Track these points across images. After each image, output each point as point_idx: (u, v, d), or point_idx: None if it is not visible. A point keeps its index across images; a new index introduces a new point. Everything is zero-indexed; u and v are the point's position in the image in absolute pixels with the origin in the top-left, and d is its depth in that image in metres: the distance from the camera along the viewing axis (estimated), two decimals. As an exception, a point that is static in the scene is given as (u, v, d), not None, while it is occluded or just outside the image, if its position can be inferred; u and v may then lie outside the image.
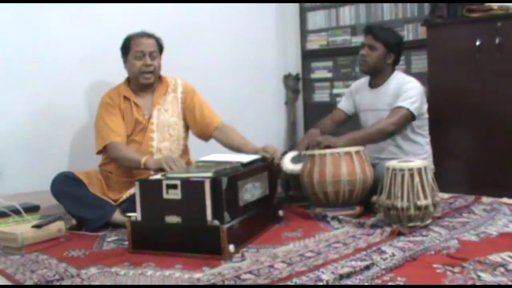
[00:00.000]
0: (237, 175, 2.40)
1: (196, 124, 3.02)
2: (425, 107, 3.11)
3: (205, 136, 3.05)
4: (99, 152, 2.93)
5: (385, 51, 3.06)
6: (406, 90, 3.00)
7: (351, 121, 3.38)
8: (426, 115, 3.13)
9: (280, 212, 2.77)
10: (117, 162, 2.85)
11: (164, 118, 2.98)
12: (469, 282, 1.82)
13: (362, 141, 2.94)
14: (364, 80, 3.26)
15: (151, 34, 2.96)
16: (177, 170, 2.50)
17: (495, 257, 2.03)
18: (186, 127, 3.07)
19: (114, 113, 2.90)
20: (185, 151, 3.08)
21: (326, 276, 1.92)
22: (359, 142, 2.90)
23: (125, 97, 2.95)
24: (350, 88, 3.38)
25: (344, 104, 3.34)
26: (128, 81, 3.02)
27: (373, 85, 3.17)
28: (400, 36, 3.25)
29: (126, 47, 2.93)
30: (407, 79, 3.09)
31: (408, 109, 2.96)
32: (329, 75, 4.60)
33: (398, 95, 3.01)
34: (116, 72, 3.13)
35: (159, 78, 3.03)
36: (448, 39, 3.53)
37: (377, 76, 3.12)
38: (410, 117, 2.98)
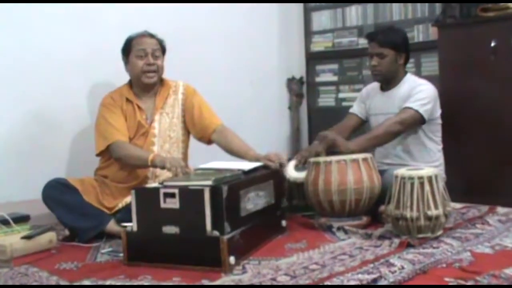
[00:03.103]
0: (238, 183, 2.41)
1: (195, 126, 3.05)
2: (439, 112, 3.13)
3: (204, 139, 3.07)
4: (99, 154, 2.96)
5: (395, 54, 3.09)
6: (418, 92, 3.03)
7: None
8: (440, 121, 3.15)
9: (283, 222, 2.78)
10: (122, 161, 2.88)
11: (165, 121, 3.02)
12: (482, 296, 1.83)
13: (370, 144, 2.98)
14: (376, 84, 3.29)
15: (153, 34, 3.01)
16: (176, 173, 2.54)
17: (511, 271, 2.04)
18: (187, 130, 3.10)
19: (116, 113, 2.94)
20: (184, 155, 3.10)
21: (332, 289, 1.93)
22: (367, 145, 2.94)
23: (127, 100, 2.99)
24: (361, 93, 3.41)
25: (356, 108, 3.37)
26: (130, 84, 3.06)
27: (384, 88, 3.21)
28: (403, 31, 3.26)
29: (127, 48, 2.97)
30: (419, 82, 3.12)
31: (416, 111, 2.98)
32: (335, 78, 4.62)
33: (410, 97, 3.04)
34: (112, 74, 3.17)
35: (161, 81, 3.07)
36: (460, 40, 3.54)
37: (391, 80, 3.16)
38: (418, 119, 3.01)
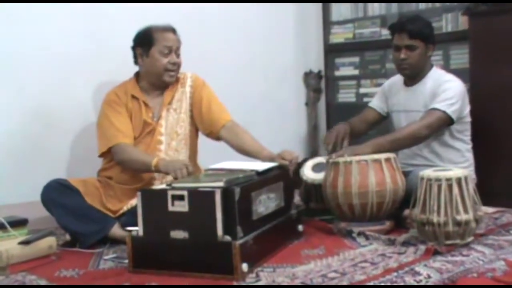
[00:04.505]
0: (251, 185, 2.43)
1: (202, 121, 3.06)
2: (467, 109, 3.13)
3: (212, 134, 3.08)
4: (102, 155, 2.99)
5: (425, 46, 3.08)
6: (445, 90, 3.02)
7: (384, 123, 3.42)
8: (468, 119, 3.15)
9: (300, 227, 2.80)
10: (124, 165, 2.91)
11: (173, 118, 3.04)
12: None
13: (391, 147, 2.95)
14: (399, 77, 3.28)
15: (175, 29, 3.02)
16: (181, 179, 2.54)
17: (549, 282, 2.03)
18: (194, 126, 3.11)
19: (120, 112, 2.97)
20: (193, 152, 3.12)
21: (352, 299, 1.94)
22: (388, 148, 2.92)
23: (133, 96, 3.01)
24: (383, 86, 3.41)
25: (376, 103, 3.37)
26: (137, 78, 3.07)
27: (409, 83, 3.20)
28: (429, 21, 3.25)
29: (149, 40, 2.96)
30: (446, 77, 3.11)
31: (444, 112, 2.97)
32: (356, 72, 4.62)
33: (435, 95, 3.03)
34: (115, 69, 3.19)
35: None
36: (494, 30, 3.51)
37: (418, 74, 3.15)
38: (447, 121, 3.00)
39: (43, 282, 2.29)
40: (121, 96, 3.01)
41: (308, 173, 3.02)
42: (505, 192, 3.27)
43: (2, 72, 3.14)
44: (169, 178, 2.78)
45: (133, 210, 2.67)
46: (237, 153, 3.03)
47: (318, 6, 4.67)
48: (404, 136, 2.99)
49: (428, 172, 2.55)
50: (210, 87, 3.12)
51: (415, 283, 2.06)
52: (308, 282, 2.13)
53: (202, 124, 3.08)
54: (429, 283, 2.06)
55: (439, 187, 2.47)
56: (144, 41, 2.98)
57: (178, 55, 3.00)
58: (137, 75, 3.09)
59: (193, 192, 2.30)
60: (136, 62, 3.05)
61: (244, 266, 2.22)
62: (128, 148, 2.90)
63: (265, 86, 4.40)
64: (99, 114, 3.05)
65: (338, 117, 4.42)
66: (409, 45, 3.06)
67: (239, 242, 2.22)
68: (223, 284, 2.17)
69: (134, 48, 3.03)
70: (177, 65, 2.99)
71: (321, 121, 4.74)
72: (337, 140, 3.08)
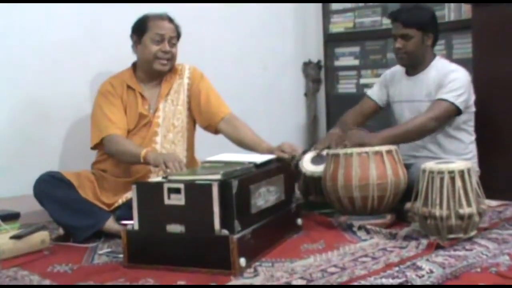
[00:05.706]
0: (250, 177, 2.43)
1: (201, 113, 3.06)
2: (472, 99, 3.13)
3: (211, 128, 3.08)
4: (94, 147, 2.99)
5: (422, 35, 3.07)
6: (451, 80, 3.02)
7: (380, 114, 3.41)
8: (473, 109, 3.15)
9: (299, 221, 2.80)
10: (115, 156, 2.91)
11: (170, 109, 3.04)
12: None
13: (400, 140, 2.99)
14: (400, 67, 3.27)
15: (173, 19, 3.02)
16: (173, 171, 2.53)
17: (555, 277, 2.04)
18: (192, 118, 3.11)
19: (114, 103, 2.96)
20: (190, 145, 3.12)
21: (353, 294, 1.94)
22: (395, 141, 2.93)
23: (129, 87, 3.01)
24: (385, 75, 3.40)
25: (376, 93, 3.37)
26: (134, 67, 3.07)
27: (411, 72, 3.20)
28: (431, 9, 3.26)
29: (142, 27, 2.97)
30: (451, 67, 3.11)
31: (452, 103, 2.98)
32: (356, 62, 4.61)
33: (440, 85, 3.03)
34: (111, 58, 3.18)
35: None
36: (497, 19, 3.49)
37: (418, 63, 3.15)
38: (454, 112, 3.01)
39: (35, 278, 2.28)
40: (117, 86, 3.00)
41: (307, 165, 3.01)
42: (509, 185, 3.27)
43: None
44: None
45: (128, 204, 2.67)
46: (235, 146, 3.03)
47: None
48: (412, 129, 2.99)
49: (430, 165, 2.55)
50: (208, 80, 3.12)
51: (417, 278, 2.06)
52: (308, 277, 2.13)
53: (200, 117, 3.08)
54: (431, 278, 2.06)
55: (442, 179, 2.47)
56: (139, 28, 2.99)
57: (172, 45, 2.99)
58: (134, 65, 3.09)
59: (189, 185, 2.29)
60: (135, 51, 3.05)
61: (242, 261, 2.22)
62: (120, 139, 2.89)
63: (264, 77, 4.39)
64: (93, 105, 3.04)
65: (338, 108, 4.41)
66: (404, 34, 3.07)
67: (236, 236, 2.22)
68: (220, 285, 2.15)
69: (131, 35, 3.03)
70: (170, 54, 2.98)
71: (321, 112, 4.74)
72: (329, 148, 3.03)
